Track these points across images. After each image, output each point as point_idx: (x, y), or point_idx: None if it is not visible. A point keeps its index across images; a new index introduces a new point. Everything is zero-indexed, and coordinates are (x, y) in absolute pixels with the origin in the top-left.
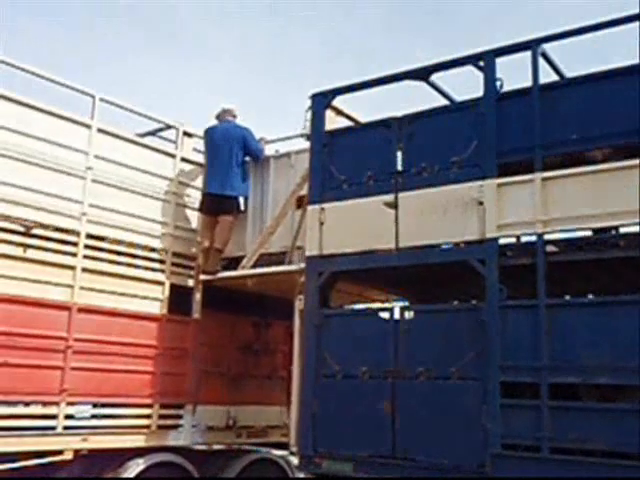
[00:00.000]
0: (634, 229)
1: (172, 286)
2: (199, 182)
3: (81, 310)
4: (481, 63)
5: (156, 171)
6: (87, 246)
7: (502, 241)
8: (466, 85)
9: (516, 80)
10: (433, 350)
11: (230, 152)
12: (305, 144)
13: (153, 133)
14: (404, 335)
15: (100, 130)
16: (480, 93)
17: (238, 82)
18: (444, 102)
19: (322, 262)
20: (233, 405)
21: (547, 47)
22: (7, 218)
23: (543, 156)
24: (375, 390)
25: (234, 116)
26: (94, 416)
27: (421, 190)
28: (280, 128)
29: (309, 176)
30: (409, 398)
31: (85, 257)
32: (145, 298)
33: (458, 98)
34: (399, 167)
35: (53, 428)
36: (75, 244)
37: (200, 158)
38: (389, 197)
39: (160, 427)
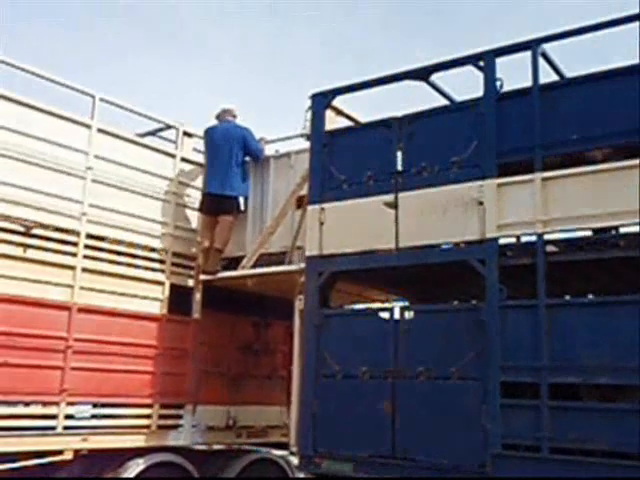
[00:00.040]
0: (634, 229)
1: (172, 286)
2: (199, 182)
3: (81, 310)
4: (481, 63)
5: (156, 171)
6: (87, 246)
7: (502, 241)
8: (466, 85)
9: (516, 80)
10: (433, 350)
11: (230, 152)
12: (305, 144)
13: (153, 133)
14: (404, 335)
15: (100, 130)
16: (480, 93)
17: (238, 82)
18: (444, 102)
19: (322, 262)
20: (233, 405)
21: (547, 47)
22: (7, 218)
23: (543, 156)
24: (375, 390)
25: (234, 116)
26: (94, 416)
27: (421, 190)
28: (280, 128)
29: (309, 176)
30: (409, 398)
31: (85, 257)
32: (145, 298)
33: (458, 98)
34: (399, 167)
35: (53, 428)
36: (75, 244)
37: (200, 158)
38: (389, 197)
39: (160, 427)
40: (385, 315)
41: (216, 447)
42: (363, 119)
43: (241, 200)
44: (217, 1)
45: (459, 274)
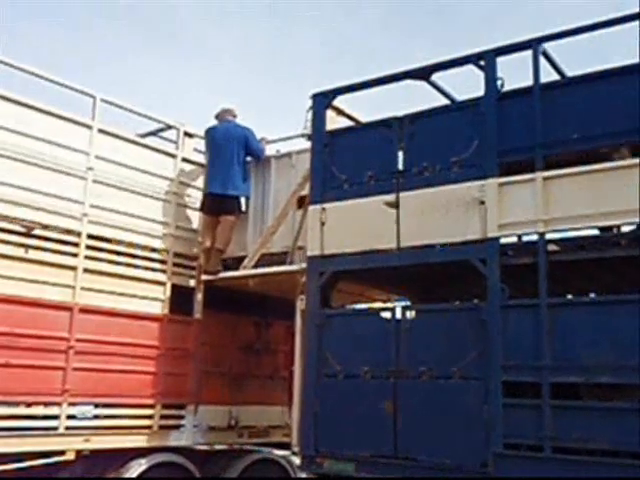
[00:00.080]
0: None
1: (173, 286)
2: (200, 182)
3: (83, 310)
4: (482, 62)
5: (157, 171)
6: (88, 247)
7: (503, 240)
8: (467, 85)
9: (517, 79)
10: (435, 350)
11: (232, 152)
12: (306, 144)
13: (154, 133)
14: (406, 335)
15: (101, 130)
16: (481, 92)
17: (238, 82)
18: (445, 102)
19: (323, 262)
20: (235, 405)
21: (548, 46)
22: (8, 219)
23: (544, 155)
24: (377, 390)
25: (234, 116)
26: (96, 416)
27: (422, 190)
28: (281, 128)
29: (310, 176)
30: (411, 398)
31: (87, 257)
32: (146, 298)
33: (459, 98)
34: (400, 167)
35: (55, 428)
36: (76, 245)
37: (201, 158)
38: (390, 197)
39: (162, 427)
40: (387, 315)
41: (218, 447)
42: (364, 119)
43: (242, 200)
44: (217, 1)
45: (460, 274)
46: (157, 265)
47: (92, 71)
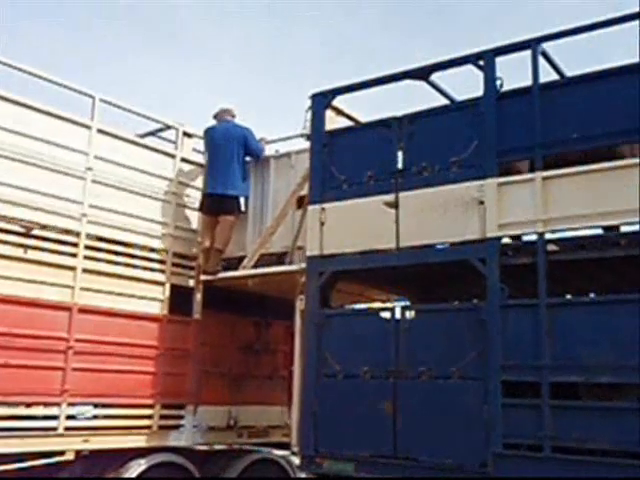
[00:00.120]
0: (635, 228)
1: (173, 286)
2: (199, 182)
3: (81, 311)
4: (481, 62)
5: (156, 171)
6: (88, 247)
7: (503, 240)
8: (466, 85)
9: (516, 79)
10: (434, 350)
11: (231, 152)
12: (305, 144)
13: (153, 133)
14: (405, 335)
15: (100, 131)
16: (480, 92)
17: (238, 82)
18: (444, 102)
19: (323, 262)
20: (234, 405)
21: (547, 46)
22: (11, 219)
23: (544, 155)
24: (376, 390)
25: (233, 116)
26: (95, 416)
27: (421, 190)
28: (280, 128)
29: (309, 176)
30: (410, 398)
31: (86, 258)
32: (145, 298)
33: (458, 98)
34: (399, 167)
35: (54, 429)
36: (75, 245)
37: (200, 158)
38: (389, 197)
39: (161, 427)
40: (386, 315)
41: (217, 447)
42: (363, 119)
43: (242, 200)
44: (217, 1)
45: (460, 274)
46: (156, 265)
47: (92, 71)
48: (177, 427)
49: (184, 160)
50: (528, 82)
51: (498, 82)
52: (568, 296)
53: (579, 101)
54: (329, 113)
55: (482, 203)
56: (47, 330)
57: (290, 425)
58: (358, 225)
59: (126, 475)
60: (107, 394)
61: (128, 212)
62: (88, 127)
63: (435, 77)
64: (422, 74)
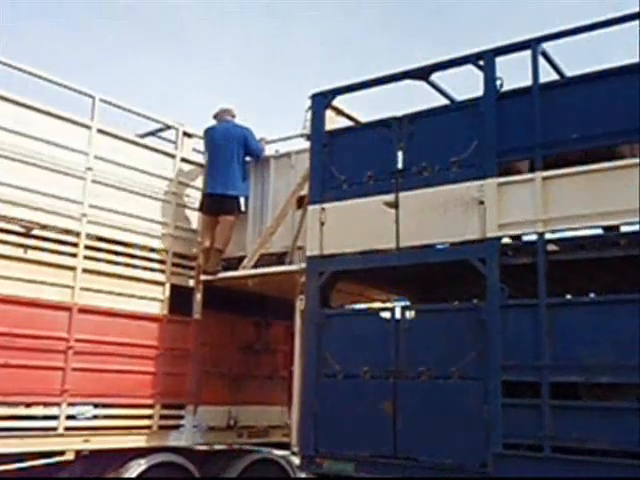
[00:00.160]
0: (635, 228)
1: (173, 286)
2: (199, 182)
3: (82, 311)
4: (481, 62)
5: (156, 171)
6: (87, 247)
7: (503, 240)
8: (466, 85)
9: (516, 79)
10: (434, 350)
11: (231, 152)
12: (305, 144)
13: (153, 133)
14: (405, 335)
15: (100, 131)
16: (480, 92)
17: (238, 82)
18: (444, 102)
19: (323, 262)
20: (234, 405)
21: (547, 46)
22: (11, 219)
23: (544, 155)
24: (376, 390)
25: (233, 116)
26: (95, 416)
27: (421, 190)
28: (280, 128)
29: (309, 176)
30: (410, 398)
31: (86, 258)
32: (145, 298)
33: (458, 98)
34: (399, 167)
35: (54, 429)
36: (75, 245)
37: (200, 158)
38: (389, 197)
39: (161, 427)
40: (386, 315)
41: (217, 447)
42: (363, 119)
43: (242, 200)
44: (217, 1)
45: (460, 274)
46: (156, 265)
47: (92, 71)
48: (177, 427)
49: (184, 160)
50: (528, 82)
51: (498, 82)
52: (568, 296)
53: (579, 101)
54: (329, 113)
55: (482, 203)
56: (47, 330)
57: (290, 425)
58: (358, 225)
59: (126, 475)
60: (107, 394)
61: (128, 212)
62: (88, 127)
63: (435, 77)
64: (422, 74)
